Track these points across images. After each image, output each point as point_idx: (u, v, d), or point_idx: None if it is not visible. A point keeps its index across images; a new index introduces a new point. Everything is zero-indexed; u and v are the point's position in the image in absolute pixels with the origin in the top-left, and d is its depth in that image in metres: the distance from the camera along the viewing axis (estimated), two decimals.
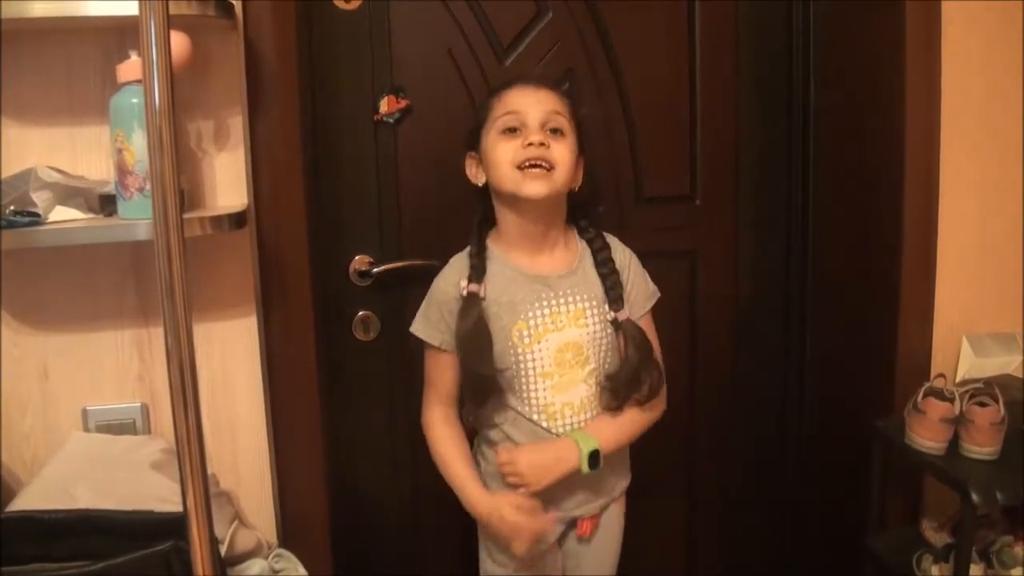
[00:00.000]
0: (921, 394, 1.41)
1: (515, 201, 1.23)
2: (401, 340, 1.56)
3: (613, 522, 1.39)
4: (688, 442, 1.68)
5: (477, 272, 1.24)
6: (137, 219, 1.15)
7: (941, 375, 1.49)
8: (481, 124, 1.25)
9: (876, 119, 1.59)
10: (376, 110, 1.50)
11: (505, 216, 1.27)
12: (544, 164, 1.19)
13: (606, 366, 1.28)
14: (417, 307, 1.41)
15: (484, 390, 1.25)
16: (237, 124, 1.32)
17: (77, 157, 1.27)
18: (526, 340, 1.23)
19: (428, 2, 1.50)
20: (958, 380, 1.59)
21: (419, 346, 1.36)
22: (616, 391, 1.27)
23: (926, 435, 1.39)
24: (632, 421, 1.30)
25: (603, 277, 1.28)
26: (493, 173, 1.23)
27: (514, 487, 1.24)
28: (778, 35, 1.66)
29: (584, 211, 1.34)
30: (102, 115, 1.19)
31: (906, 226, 1.55)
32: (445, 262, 1.40)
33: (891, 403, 1.57)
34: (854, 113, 1.62)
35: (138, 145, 1.13)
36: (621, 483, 1.37)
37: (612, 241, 1.33)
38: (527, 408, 1.27)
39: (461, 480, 1.27)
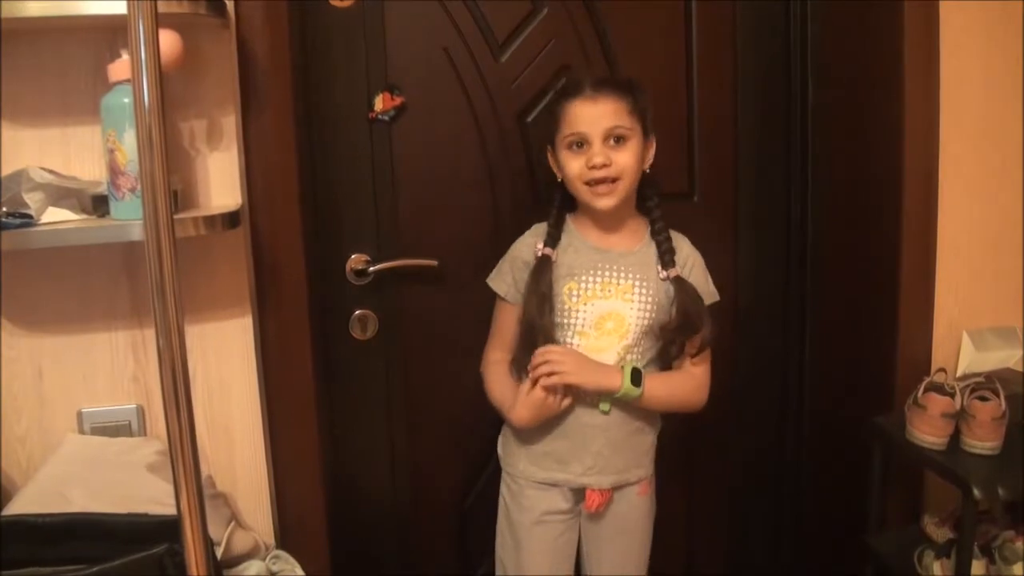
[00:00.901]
0: (922, 389, 1.41)
1: (588, 207, 1.33)
2: (399, 339, 1.56)
3: (631, 510, 1.40)
4: (688, 441, 1.67)
5: (552, 239, 1.36)
6: (130, 220, 1.15)
7: (942, 369, 1.48)
8: (554, 131, 1.33)
9: (875, 118, 1.58)
10: (371, 108, 1.49)
11: (582, 207, 1.38)
12: (609, 179, 1.28)
13: (644, 345, 1.34)
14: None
15: (533, 338, 1.33)
16: (230, 123, 1.31)
17: (70, 158, 1.26)
18: (573, 299, 1.33)
19: None
20: (959, 375, 1.59)
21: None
22: (671, 340, 1.35)
23: (927, 430, 1.38)
24: (675, 378, 1.38)
25: (659, 244, 1.36)
26: (567, 182, 1.33)
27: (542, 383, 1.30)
28: (776, 33, 1.65)
29: (652, 187, 1.39)
30: (95, 115, 1.18)
31: (905, 223, 1.55)
32: (443, 260, 1.52)
33: (891, 399, 1.57)
34: (853, 112, 1.61)
35: (130, 145, 1.12)
36: (636, 469, 1.38)
37: (679, 240, 1.39)
38: None
39: (500, 400, 1.38)
